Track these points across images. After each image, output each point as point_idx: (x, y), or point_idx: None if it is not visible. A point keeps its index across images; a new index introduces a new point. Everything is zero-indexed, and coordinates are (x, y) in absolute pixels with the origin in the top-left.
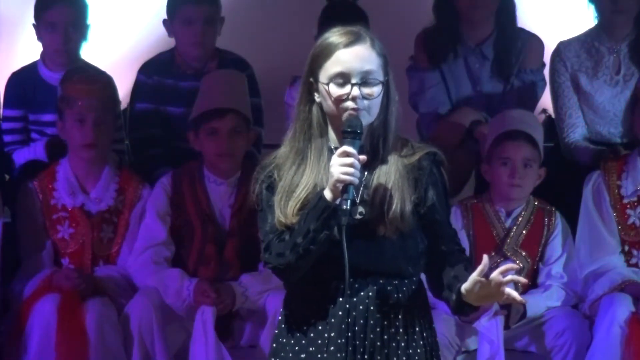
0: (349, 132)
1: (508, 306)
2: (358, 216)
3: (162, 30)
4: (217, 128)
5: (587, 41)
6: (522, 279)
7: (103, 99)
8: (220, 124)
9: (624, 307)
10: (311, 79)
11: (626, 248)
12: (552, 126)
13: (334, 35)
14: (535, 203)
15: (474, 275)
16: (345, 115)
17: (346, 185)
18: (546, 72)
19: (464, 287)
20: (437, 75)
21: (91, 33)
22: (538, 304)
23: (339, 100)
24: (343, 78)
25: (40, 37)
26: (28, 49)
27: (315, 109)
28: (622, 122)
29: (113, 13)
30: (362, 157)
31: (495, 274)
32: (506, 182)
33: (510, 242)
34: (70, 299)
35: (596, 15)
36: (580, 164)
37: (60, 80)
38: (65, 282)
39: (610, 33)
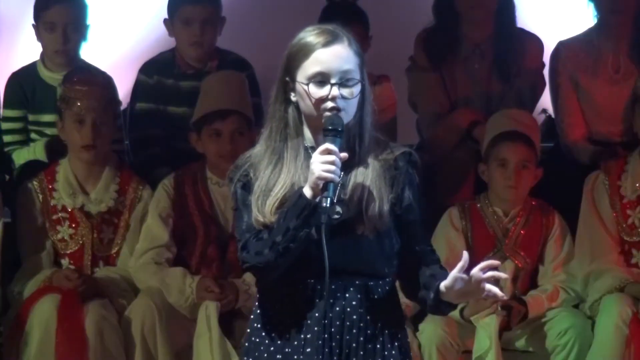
0: (330, 130)
1: (509, 307)
2: (336, 216)
3: (162, 30)
4: (219, 130)
5: (586, 40)
6: (503, 275)
7: (102, 100)
8: (223, 125)
9: (624, 308)
10: (287, 79)
11: (626, 248)
12: (552, 126)
13: (311, 35)
14: (533, 203)
15: (455, 272)
16: (325, 116)
17: (327, 183)
18: (546, 72)
19: (444, 284)
20: (436, 75)
21: (91, 33)
22: (540, 304)
23: (318, 101)
24: (322, 78)
25: (39, 37)
26: (28, 49)
27: (291, 108)
28: (622, 121)
29: (113, 13)
30: (344, 154)
31: (475, 271)
32: (503, 183)
33: (509, 243)
34: (70, 299)
35: (595, 14)
36: (580, 164)
37: (61, 81)
38: (65, 283)
39: (609, 32)
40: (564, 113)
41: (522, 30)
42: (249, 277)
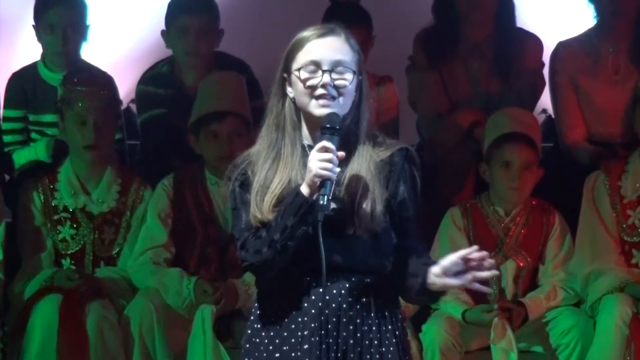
0: (327, 128)
1: (509, 310)
2: (330, 212)
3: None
4: (217, 131)
5: (586, 41)
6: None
7: (104, 100)
8: (220, 127)
9: (624, 308)
10: (284, 74)
11: (626, 248)
12: (552, 126)
13: (307, 31)
14: (534, 203)
15: (455, 256)
16: (314, 104)
17: (324, 181)
18: (546, 72)
19: (441, 263)
20: (436, 74)
21: (91, 33)
22: (539, 305)
23: (309, 86)
24: (314, 65)
25: (39, 38)
26: (28, 49)
27: (287, 103)
28: (622, 122)
29: (113, 13)
30: (341, 153)
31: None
32: (506, 185)
33: (510, 242)
34: (71, 299)
35: (595, 15)
36: (580, 164)
37: (61, 82)
38: (67, 283)
39: (609, 34)
40: (563, 114)
41: (522, 30)
42: (248, 277)
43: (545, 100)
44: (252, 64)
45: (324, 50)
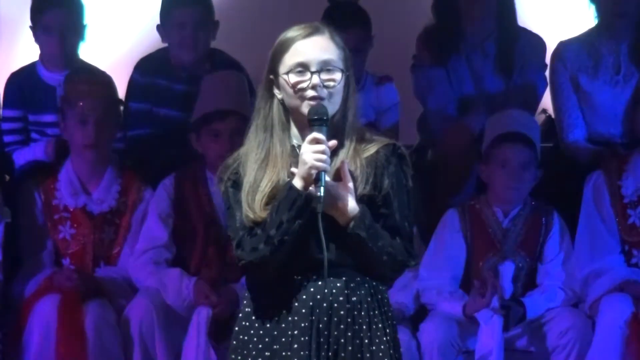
0: (315, 120)
1: (507, 307)
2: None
3: None
4: (218, 130)
5: (587, 41)
6: None
7: (104, 99)
8: (222, 125)
9: (624, 308)
10: (271, 76)
11: (626, 248)
12: (552, 126)
13: (292, 31)
14: (533, 203)
15: None
16: (305, 105)
17: (319, 172)
18: (546, 72)
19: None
20: (441, 72)
21: (90, 33)
22: (538, 305)
23: (299, 89)
24: (302, 67)
25: (37, 39)
26: (28, 49)
27: (275, 104)
28: (623, 122)
29: (112, 13)
30: (332, 142)
31: None
32: (504, 184)
33: (509, 243)
34: (70, 299)
35: (596, 15)
36: (580, 164)
37: (62, 81)
38: (66, 283)
39: (610, 34)
40: (563, 113)
41: (525, 30)
42: None
43: (546, 100)
44: (249, 64)
45: (310, 51)
